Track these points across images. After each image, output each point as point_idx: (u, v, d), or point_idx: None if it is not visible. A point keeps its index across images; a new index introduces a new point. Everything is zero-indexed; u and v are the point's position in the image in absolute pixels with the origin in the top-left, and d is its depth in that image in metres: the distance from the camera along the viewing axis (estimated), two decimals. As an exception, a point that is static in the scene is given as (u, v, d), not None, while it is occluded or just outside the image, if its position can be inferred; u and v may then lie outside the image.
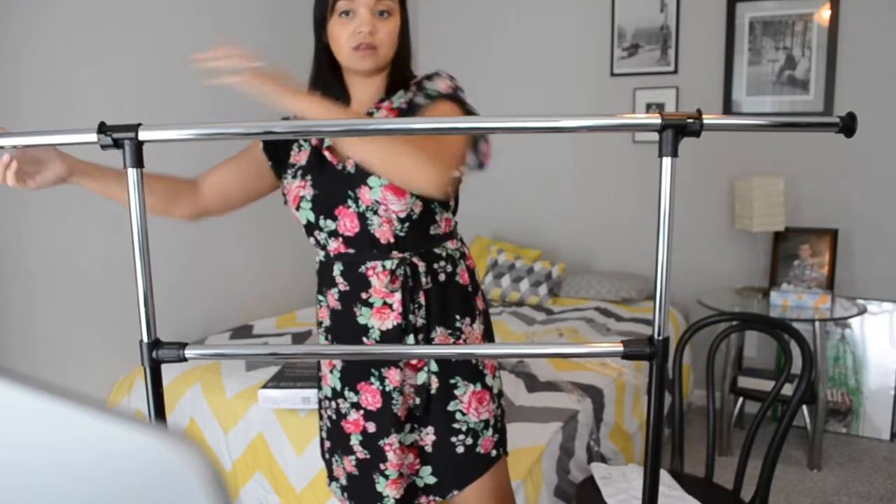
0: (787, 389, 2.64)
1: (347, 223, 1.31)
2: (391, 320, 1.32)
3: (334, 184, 1.31)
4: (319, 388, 1.48)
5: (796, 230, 3.28)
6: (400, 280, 1.31)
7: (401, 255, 1.32)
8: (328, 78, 1.35)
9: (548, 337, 2.97)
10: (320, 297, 1.40)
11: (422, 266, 1.33)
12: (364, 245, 1.31)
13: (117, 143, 0.96)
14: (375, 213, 1.29)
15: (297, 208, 1.34)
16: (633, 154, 3.63)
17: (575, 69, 3.71)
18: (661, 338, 0.98)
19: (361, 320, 1.33)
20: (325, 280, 1.38)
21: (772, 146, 3.34)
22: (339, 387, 1.38)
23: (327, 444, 1.46)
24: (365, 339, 1.34)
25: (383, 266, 1.31)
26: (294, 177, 1.35)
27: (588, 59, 3.68)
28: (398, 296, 1.31)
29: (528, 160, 3.79)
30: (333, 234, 1.32)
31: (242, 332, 2.98)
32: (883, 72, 3.11)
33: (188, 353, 1.03)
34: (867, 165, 3.19)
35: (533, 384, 2.38)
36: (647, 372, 2.72)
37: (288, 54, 3.31)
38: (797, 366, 2.80)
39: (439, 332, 1.36)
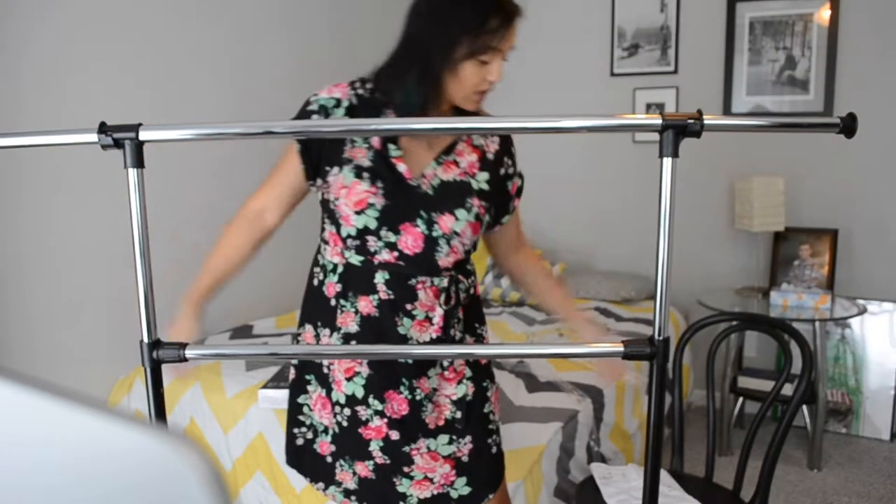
0: (787, 389, 2.64)
1: (410, 241, 1.28)
2: (429, 333, 1.32)
3: (406, 199, 1.28)
4: (304, 391, 1.44)
5: (796, 230, 3.28)
6: (454, 299, 1.34)
7: (449, 274, 1.34)
8: (429, 102, 1.29)
9: (548, 337, 2.97)
10: (343, 302, 1.33)
11: (464, 283, 1.37)
12: (419, 264, 1.30)
13: (118, 143, 0.97)
14: (448, 242, 1.30)
15: (359, 212, 1.27)
16: (634, 154, 3.63)
17: (575, 69, 3.71)
18: (661, 338, 0.98)
19: (402, 331, 1.31)
20: (356, 285, 1.32)
21: (772, 146, 3.34)
22: (359, 394, 1.35)
23: (331, 447, 1.42)
24: None
25: (432, 282, 1.32)
26: (358, 177, 1.27)
27: (588, 59, 3.68)
28: (440, 310, 1.32)
29: (528, 160, 3.76)
30: (390, 246, 1.29)
31: (242, 332, 2.98)
32: (883, 72, 3.11)
33: (188, 353, 1.03)
34: (867, 165, 3.19)
35: (533, 384, 2.38)
36: (647, 372, 2.72)
37: (290, 53, 3.32)
38: (797, 366, 2.80)
39: (469, 341, 1.40)
